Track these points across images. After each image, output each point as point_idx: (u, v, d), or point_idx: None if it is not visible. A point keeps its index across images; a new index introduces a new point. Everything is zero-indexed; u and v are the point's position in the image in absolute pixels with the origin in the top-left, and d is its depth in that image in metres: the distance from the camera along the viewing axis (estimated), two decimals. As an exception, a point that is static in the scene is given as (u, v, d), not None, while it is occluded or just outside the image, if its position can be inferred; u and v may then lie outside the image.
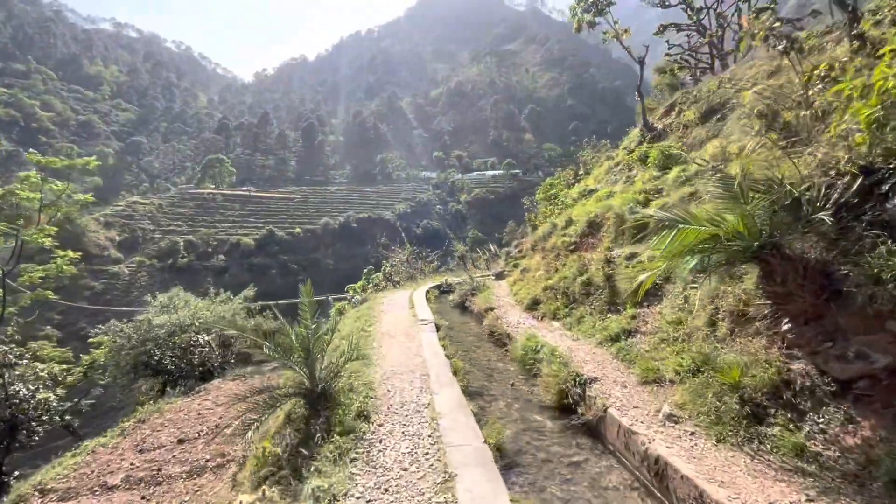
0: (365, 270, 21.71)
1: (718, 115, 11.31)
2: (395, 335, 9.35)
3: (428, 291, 15.98)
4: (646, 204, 9.83)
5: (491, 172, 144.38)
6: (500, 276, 17.14)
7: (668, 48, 29.25)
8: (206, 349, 16.34)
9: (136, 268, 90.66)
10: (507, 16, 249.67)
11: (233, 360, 17.74)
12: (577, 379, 6.08)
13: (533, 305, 11.15)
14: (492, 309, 11.83)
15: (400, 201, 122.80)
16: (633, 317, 7.39)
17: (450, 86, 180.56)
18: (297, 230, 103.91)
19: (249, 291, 19.24)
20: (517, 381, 7.23)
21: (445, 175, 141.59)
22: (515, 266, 17.40)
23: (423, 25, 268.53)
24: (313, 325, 6.02)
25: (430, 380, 6.77)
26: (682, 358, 5.62)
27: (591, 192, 15.65)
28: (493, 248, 29.88)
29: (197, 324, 16.25)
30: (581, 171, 24.81)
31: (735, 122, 8.65)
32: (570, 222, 13.12)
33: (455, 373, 6.95)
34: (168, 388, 16.17)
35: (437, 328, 10.20)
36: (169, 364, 15.72)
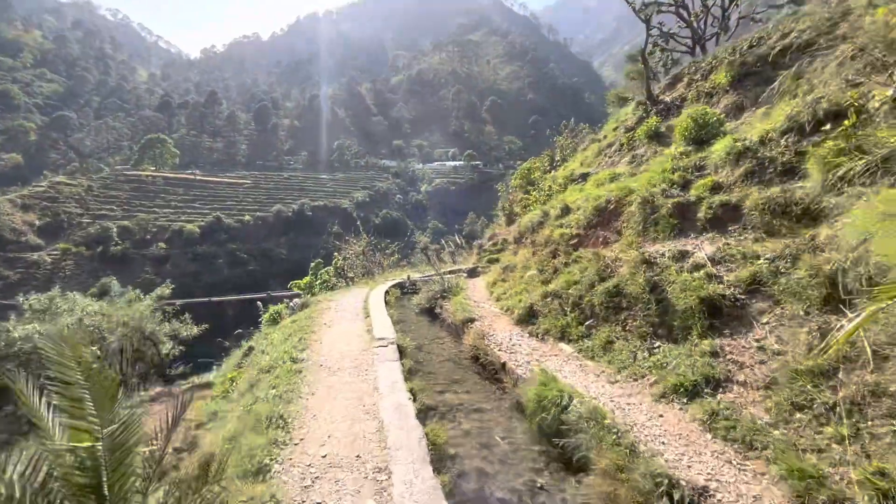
0: (312, 264, 18.28)
1: (756, 78, 8.92)
2: (340, 368, 6.27)
3: (388, 291, 12.90)
4: (684, 185, 7.26)
5: (452, 163, 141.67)
6: (473, 274, 14.33)
7: (649, 30, 27.29)
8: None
9: (60, 256, 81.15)
10: (470, 6, 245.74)
11: (138, 376, 13.98)
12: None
13: (528, 318, 8.37)
14: (472, 320, 8.94)
15: (358, 190, 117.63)
16: (714, 353, 4.76)
17: (411, 73, 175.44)
18: (247, 217, 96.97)
19: (165, 289, 15.34)
20: (546, 479, 4.35)
21: (405, 164, 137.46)
22: (491, 262, 14.60)
23: (385, 11, 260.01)
24: (119, 427, 2.37)
25: (394, 489, 3.76)
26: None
27: (584, 176, 13.05)
28: (458, 240, 26.82)
29: (83, 335, 12.40)
30: (557, 157, 22.24)
31: (831, 67, 6.21)
32: (566, 210, 10.40)
33: (438, 461, 3.99)
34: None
35: (401, 352, 7.22)
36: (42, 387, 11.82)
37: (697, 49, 21.38)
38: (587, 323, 6.81)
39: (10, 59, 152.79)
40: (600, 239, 8.58)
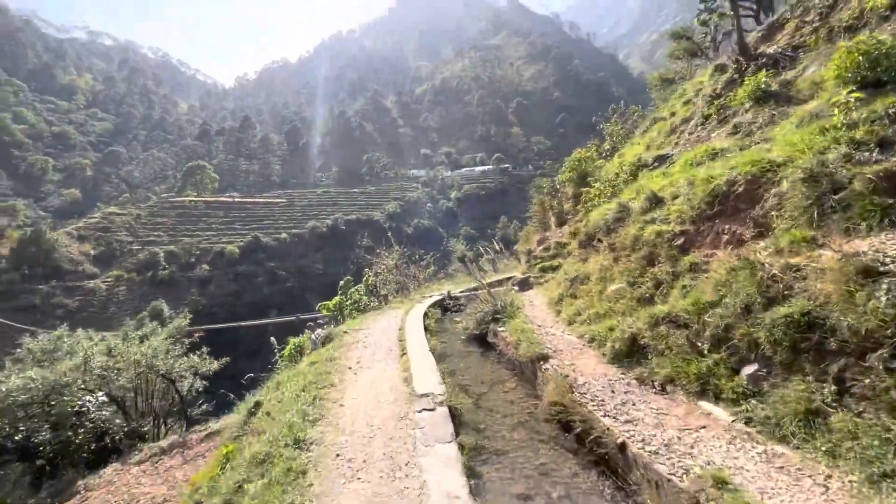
0: (341, 283, 16.28)
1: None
2: (366, 462, 3.95)
3: (426, 313, 10.62)
4: (882, 145, 4.58)
5: (480, 168, 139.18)
6: (524, 286, 11.82)
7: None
8: (102, 414, 10.80)
9: (114, 282, 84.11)
10: (487, 11, 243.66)
11: (149, 424, 12.21)
12: None
13: (629, 354, 5.82)
14: (545, 358, 6.44)
15: (389, 201, 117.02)
16: None
17: (434, 82, 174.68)
18: (284, 235, 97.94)
19: (182, 320, 13.60)
20: None
21: (434, 172, 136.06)
22: (545, 270, 12.01)
23: (404, 23, 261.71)
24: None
25: None
26: None
27: (661, 159, 10.31)
28: (497, 246, 24.20)
29: (88, 378, 10.75)
30: (607, 146, 19.34)
31: None
32: (655, 201, 7.74)
33: None
34: (45, 479, 10.60)
35: (454, 418, 4.85)
36: (43, 442, 10.16)
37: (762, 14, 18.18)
38: (749, 371, 4.20)
39: (66, 103, 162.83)
40: (725, 236, 5.92)
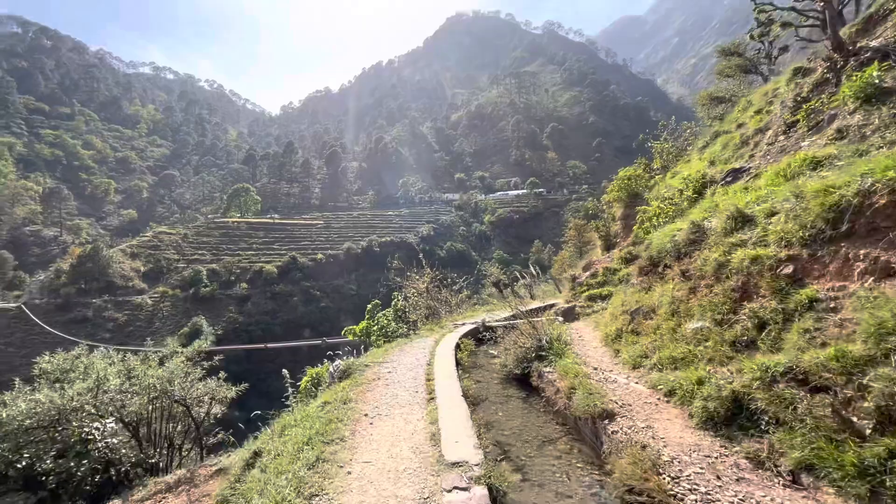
0: (368, 306, 15.26)
1: None
2: None
3: (458, 345, 9.32)
4: None
5: (514, 192, 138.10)
6: (570, 316, 10.34)
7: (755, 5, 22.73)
8: (112, 442, 9.97)
9: (159, 298, 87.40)
10: (524, 39, 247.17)
11: (165, 451, 11.32)
12: None
13: (734, 420, 4.31)
14: (611, 416, 4.99)
15: (422, 224, 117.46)
16: None
17: (470, 108, 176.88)
18: (320, 256, 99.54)
19: (204, 342, 12.75)
20: None
21: (468, 196, 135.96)
22: (593, 299, 10.50)
23: (442, 53, 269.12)
24: None
25: None
26: None
27: (735, 173, 8.76)
28: (534, 270, 22.74)
29: (99, 403, 10.02)
30: (656, 165, 17.76)
31: None
32: (742, 220, 6.25)
33: None
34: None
35: (493, 499, 3.55)
36: (46, 471, 9.40)
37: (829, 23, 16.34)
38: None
39: (130, 131, 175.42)
40: (861, 263, 4.39)
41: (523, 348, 7.57)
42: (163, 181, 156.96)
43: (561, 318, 9.83)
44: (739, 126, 10.95)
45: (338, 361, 7.93)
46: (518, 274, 21.72)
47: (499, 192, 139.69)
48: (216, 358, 12.88)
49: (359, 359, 8.09)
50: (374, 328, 13.33)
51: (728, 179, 8.78)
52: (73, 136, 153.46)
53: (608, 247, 12.20)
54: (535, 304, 15.78)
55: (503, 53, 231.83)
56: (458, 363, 8.22)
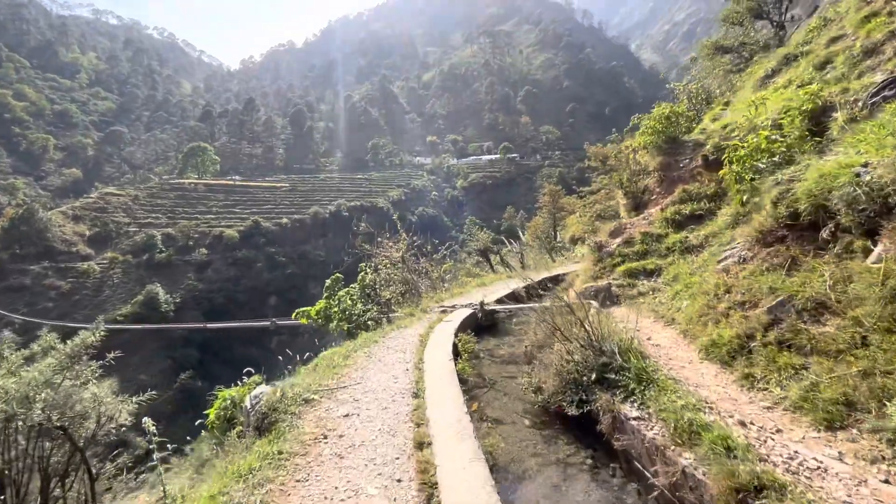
0: (327, 282, 11.90)
1: None
2: None
3: (457, 337, 6.37)
4: None
5: (487, 157, 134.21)
6: (605, 299, 7.51)
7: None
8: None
9: (109, 265, 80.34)
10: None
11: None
12: None
13: None
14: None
15: (393, 188, 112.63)
16: None
17: (443, 68, 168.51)
18: (285, 220, 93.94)
19: (90, 335, 8.79)
20: None
21: (440, 160, 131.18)
22: (635, 276, 7.65)
23: (414, 7, 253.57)
24: None
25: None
26: None
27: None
28: (524, 237, 19.82)
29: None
30: (681, 108, 14.50)
31: None
32: None
33: None
34: None
35: None
36: None
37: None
38: None
39: (69, 81, 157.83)
40: None
41: (572, 365, 4.62)
42: (109, 138, 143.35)
43: (596, 303, 6.94)
44: (833, 41, 8.05)
45: (261, 388, 4.71)
46: (505, 241, 18.71)
47: (471, 157, 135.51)
48: (112, 355, 9.31)
49: (297, 380, 4.94)
50: (335, 310, 10.18)
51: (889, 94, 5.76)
52: (1, 86, 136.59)
53: (637, 206, 9.29)
54: (533, 276, 12.94)
55: (477, 9, 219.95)
56: (462, 377, 5.26)
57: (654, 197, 9.25)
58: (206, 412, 6.62)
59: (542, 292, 11.33)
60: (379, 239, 13.33)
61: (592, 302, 7.27)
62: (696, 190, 8.13)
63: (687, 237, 7.64)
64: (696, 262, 6.79)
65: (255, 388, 4.92)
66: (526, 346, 6.06)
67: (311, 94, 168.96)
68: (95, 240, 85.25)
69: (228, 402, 5.53)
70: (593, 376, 4.40)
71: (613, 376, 4.30)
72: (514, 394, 5.24)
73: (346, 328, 10.35)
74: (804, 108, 6.08)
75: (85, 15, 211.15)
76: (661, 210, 8.57)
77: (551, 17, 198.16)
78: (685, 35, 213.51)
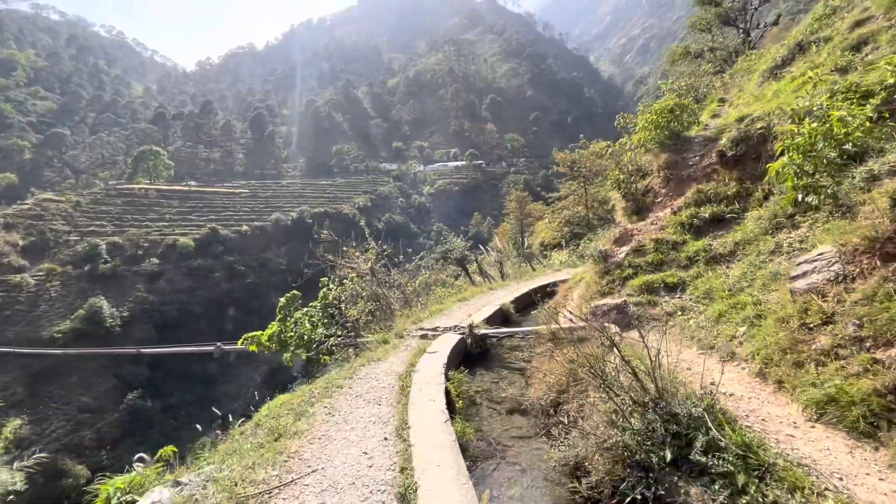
0: (282, 301, 9.90)
1: None
2: None
3: (449, 379, 4.81)
4: None
5: (454, 163, 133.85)
6: (621, 318, 6.10)
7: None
8: None
9: (45, 277, 73.25)
10: (463, 6, 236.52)
11: None
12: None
13: None
14: None
15: (359, 195, 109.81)
16: None
17: (408, 74, 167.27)
18: (245, 228, 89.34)
19: None
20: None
21: (407, 166, 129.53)
22: (654, 291, 6.35)
23: (378, 14, 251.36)
24: None
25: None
26: None
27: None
28: (500, 244, 18.56)
29: None
30: (670, 100, 13.46)
31: None
32: None
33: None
34: None
35: None
36: None
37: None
38: None
39: (3, 79, 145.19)
40: None
41: (629, 434, 3.09)
42: (50, 140, 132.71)
43: (614, 327, 5.57)
44: (859, 24, 7.17)
45: (157, 496, 2.87)
46: (483, 249, 17.29)
47: (438, 164, 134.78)
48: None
49: (222, 470, 3.13)
50: (290, 335, 8.36)
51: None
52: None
53: (638, 209, 8.09)
54: (516, 288, 11.58)
55: (441, 20, 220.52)
56: (462, 448, 3.67)
57: (661, 199, 8.11)
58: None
59: (534, 306, 9.97)
60: (344, 248, 11.56)
61: (611, 326, 5.90)
62: (714, 190, 7.04)
63: (710, 245, 6.47)
64: (731, 274, 5.58)
65: (152, 487, 3.08)
66: (538, 390, 4.59)
67: (273, 98, 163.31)
68: (30, 250, 77.67)
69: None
70: (667, 455, 3.00)
71: (701, 458, 2.87)
72: (537, 469, 3.70)
73: (304, 356, 8.56)
74: (889, 82, 4.96)
75: (23, 9, 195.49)
76: (674, 213, 7.39)
77: (514, 28, 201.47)
78: (640, 49, 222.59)
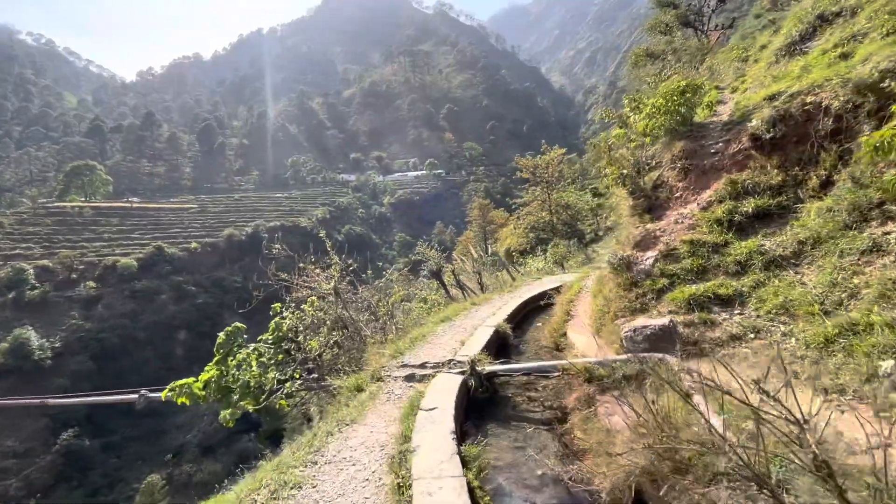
0: (220, 336, 7.95)
1: None
2: None
3: (468, 467, 3.16)
4: None
5: (413, 173, 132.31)
6: (665, 343, 4.63)
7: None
8: None
9: (-40, 307, 64.77)
10: (415, 18, 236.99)
11: None
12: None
13: None
14: None
15: (317, 207, 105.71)
16: None
17: (363, 85, 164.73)
18: (195, 245, 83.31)
19: None
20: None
21: (365, 177, 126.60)
22: (705, 307, 4.93)
23: (331, 25, 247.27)
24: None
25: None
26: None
27: None
28: (475, 252, 17.04)
29: None
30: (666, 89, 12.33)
31: None
32: None
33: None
34: None
35: None
36: None
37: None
38: None
39: None
40: None
41: None
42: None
43: (672, 358, 4.06)
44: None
45: None
46: (460, 259, 15.65)
47: (397, 173, 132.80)
48: None
49: None
50: (232, 380, 6.31)
51: None
52: None
53: (650, 208, 6.75)
54: (514, 301, 10.04)
55: (395, 31, 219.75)
56: None
57: (679, 194, 6.85)
58: None
59: (528, 323, 8.45)
60: (301, 264, 9.54)
61: (667, 357, 4.40)
62: (752, 180, 5.84)
63: (762, 245, 5.19)
64: (810, 282, 4.28)
65: None
66: (604, 476, 2.98)
67: (222, 110, 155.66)
68: (-58, 278, 68.60)
69: None
70: None
71: None
72: None
73: (251, 408, 6.55)
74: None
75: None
76: (703, 209, 6.10)
77: (467, 40, 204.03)
78: (587, 61, 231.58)
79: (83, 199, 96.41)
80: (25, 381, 54.31)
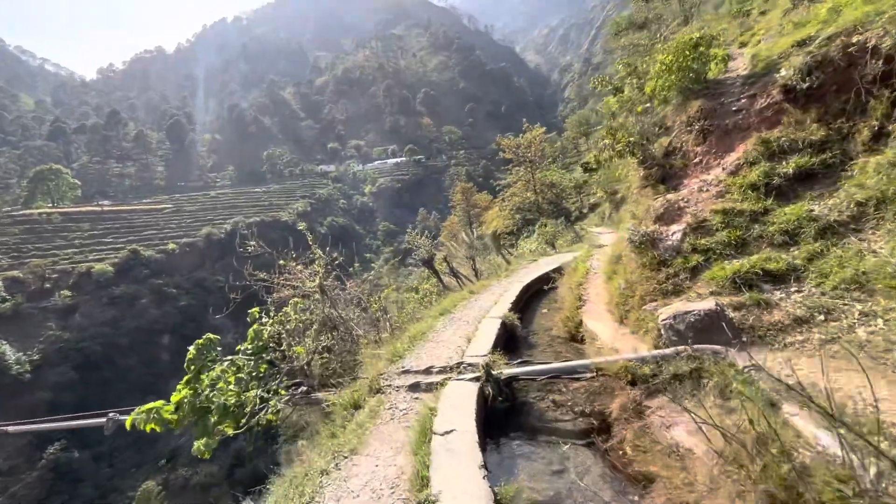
0: (191, 350, 7.12)
1: None
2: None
3: None
4: None
5: (393, 160, 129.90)
6: (703, 331, 3.96)
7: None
8: None
9: (-75, 327, 61.48)
10: (388, 1, 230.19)
11: None
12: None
13: None
14: None
15: (297, 200, 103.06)
16: None
17: (336, 73, 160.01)
18: (172, 246, 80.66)
19: None
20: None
21: (345, 167, 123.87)
22: (753, 285, 4.23)
23: (298, 12, 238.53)
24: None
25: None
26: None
27: None
28: (467, 237, 16.30)
29: None
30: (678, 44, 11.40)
31: None
32: None
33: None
34: None
35: None
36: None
37: None
38: None
39: None
40: None
41: None
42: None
43: (730, 351, 3.33)
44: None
45: None
46: (451, 247, 14.82)
47: (377, 162, 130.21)
48: None
49: None
50: (207, 401, 5.44)
51: None
52: None
53: (664, 177, 6.00)
54: (513, 286, 9.30)
55: (366, 14, 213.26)
56: None
57: (699, 159, 6.11)
58: None
59: (531, 310, 7.72)
60: (281, 261, 8.58)
61: (720, 349, 3.67)
62: (788, 137, 5.11)
63: (811, 210, 4.49)
64: (888, 250, 3.60)
65: None
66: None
67: (190, 105, 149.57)
68: None
69: None
70: None
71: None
72: None
73: (231, 432, 5.69)
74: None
75: None
76: (732, 174, 5.37)
77: (439, 21, 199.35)
78: (561, 39, 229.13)
79: (50, 204, 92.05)
80: (5, 397, 52.14)
